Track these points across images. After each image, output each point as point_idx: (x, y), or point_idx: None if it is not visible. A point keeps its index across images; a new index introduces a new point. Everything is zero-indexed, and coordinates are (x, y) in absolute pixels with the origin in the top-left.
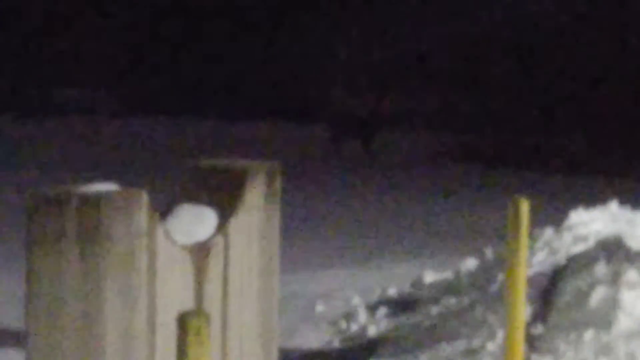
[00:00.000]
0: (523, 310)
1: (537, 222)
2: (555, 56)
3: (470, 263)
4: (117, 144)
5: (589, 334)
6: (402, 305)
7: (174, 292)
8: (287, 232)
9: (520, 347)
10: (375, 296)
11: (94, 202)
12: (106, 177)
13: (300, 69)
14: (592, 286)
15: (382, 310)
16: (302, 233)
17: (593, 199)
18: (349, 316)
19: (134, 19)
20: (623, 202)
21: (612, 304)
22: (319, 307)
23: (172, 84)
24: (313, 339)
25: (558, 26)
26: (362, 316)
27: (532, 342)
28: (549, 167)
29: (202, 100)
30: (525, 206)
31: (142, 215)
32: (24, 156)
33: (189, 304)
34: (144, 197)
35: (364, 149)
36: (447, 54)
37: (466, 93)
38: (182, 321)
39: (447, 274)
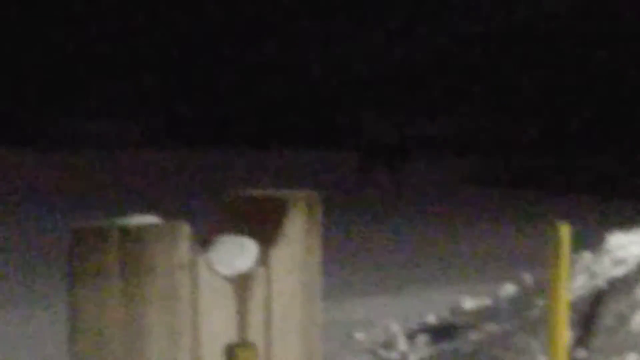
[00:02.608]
0: (565, 336)
1: (576, 246)
2: (587, 75)
3: (509, 289)
4: (146, 176)
5: (631, 358)
6: (441, 332)
7: (217, 324)
8: (326, 259)
9: None
10: (414, 323)
11: (136, 235)
12: (142, 210)
13: (328, 94)
14: (633, 309)
15: (422, 338)
16: (337, 261)
17: (630, 222)
18: (389, 344)
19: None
20: None
21: None
22: (358, 335)
23: (200, 114)
24: None
25: (586, 46)
26: (402, 344)
27: None
28: (583, 189)
29: (231, 129)
30: (566, 231)
31: (184, 247)
32: (55, 190)
33: (232, 335)
34: (186, 229)
35: (393, 177)
36: (472, 75)
37: (493, 116)
38: (230, 352)
39: (486, 300)
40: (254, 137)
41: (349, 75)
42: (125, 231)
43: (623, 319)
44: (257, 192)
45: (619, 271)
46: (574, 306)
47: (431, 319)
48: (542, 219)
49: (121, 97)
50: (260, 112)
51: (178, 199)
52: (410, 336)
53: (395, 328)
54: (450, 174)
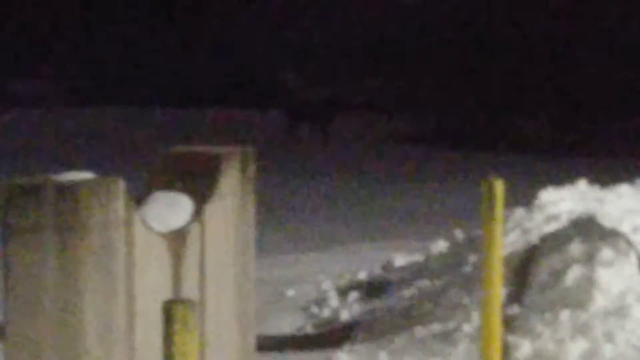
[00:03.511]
0: (499, 292)
1: (507, 202)
2: (519, 36)
3: (441, 245)
4: (74, 135)
5: (565, 314)
6: (373, 288)
7: (152, 279)
8: (256, 218)
9: (497, 328)
10: (345, 280)
11: (72, 190)
12: (79, 167)
13: (252, 54)
14: (567, 265)
15: (354, 294)
16: (267, 219)
17: (561, 179)
18: (321, 301)
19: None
20: (591, 181)
21: (588, 283)
22: (290, 292)
23: (124, 73)
24: (285, 324)
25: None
26: (334, 301)
27: (508, 323)
28: (513, 148)
29: (155, 89)
30: (500, 187)
31: (119, 203)
32: None
33: (166, 291)
34: (121, 185)
35: (322, 134)
36: (407, 33)
37: (428, 75)
38: (168, 309)
39: (418, 257)
40: (184, 97)
41: (274, 35)
42: (59, 186)
43: (556, 275)
44: (190, 148)
45: (551, 227)
46: (506, 262)
47: (363, 275)
48: (472, 176)
49: (47, 57)
50: (189, 72)
51: (112, 157)
52: (342, 293)
53: (327, 285)
54: (381, 131)
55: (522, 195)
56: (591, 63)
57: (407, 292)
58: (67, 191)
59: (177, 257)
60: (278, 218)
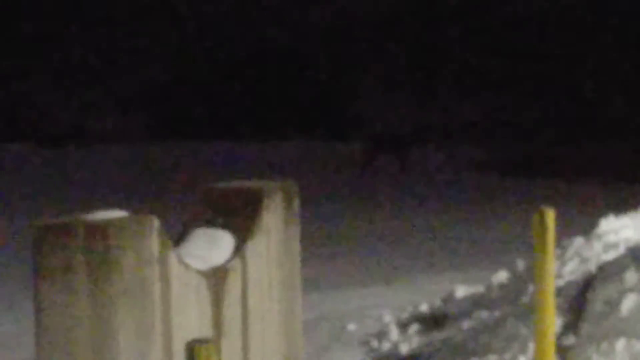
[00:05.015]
0: (553, 321)
1: (568, 231)
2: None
3: (502, 276)
4: (120, 171)
5: (620, 343)
6: (433, 321)
7: (191, 318)
8: (321, 250)
9: (551, 358)
10: (406, 313)
11: (102, 230)
12: (119, 205)
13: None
14: (622, 294)
15: (414, 327)
16: (335, 251)
17: (622, 207)
18: (381, 334)
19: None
20: None
21: None
22: (351, 327)
23: (196, 108)
24: (345, 359)
25: (587, 41)
26: (394, 334)
27: (564, 353)
28: (579, 175)
29: (231, 122)
30: (550, 216)
31: (152, 241)
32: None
33: (207, 330)
34: (155, 223)
35: (400, 163)
36: (479, 65)
37: (496, 106)
38: (191, 350)
39: (479, 288)
40: (251, 131)
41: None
42: (89, 225)
43: (612, 304)
44: (232, 184)
45: (609, 256)
46: (564, 292)
47: (424, 308)
48: (537, 203)
49: (98, 94)
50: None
51: (154, 194)
52: (403, 326)
53: (388, 318)
54: (456, 161)
55: (586, 223)
56: None
57: (466, 324)
58: (97, 230)
59: (217, 295)
60: (339, 250)
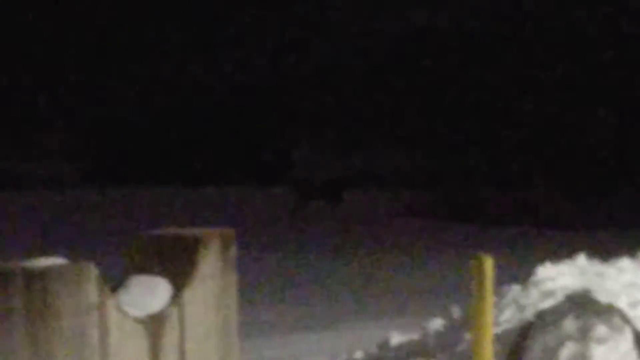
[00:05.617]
0: None
1: (503, 278)
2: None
3: (437, 323)
4: (66, 216)
5: None
6: None
7: None
8: (254, 296)
9: None
10: None
11: (40, 277)
12: (56, 251)
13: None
14: (561, 342)
15: None
16: (269, 297)
17: (560, 254)
18: None
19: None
20: (591, 255)
21: None
22: None
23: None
24: None
25: (530, 85)
26: None
27: None
28: (513, 222)
29: (158, 166)
30: (489, 264)
31: (91, 289)
32: None
33: None
34: (93, 271)
35: (330, 210)
36: (409, 109)
37: (429, 150)
38: None
39: (414, 335)
40: (178, 176)
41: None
42: (28, 272)
43: (551, 352)
44: (169, 231)
45: (547, 303)
46: (501, 339)
47: (359, 355)
48: (473, 250)
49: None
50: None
51: (88, 240)
52: None
53: None
54: (388, 207)
55: (523, 271)
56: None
57: None
58: (35, 277)
59: (155, 342)
60: (275, 297)
